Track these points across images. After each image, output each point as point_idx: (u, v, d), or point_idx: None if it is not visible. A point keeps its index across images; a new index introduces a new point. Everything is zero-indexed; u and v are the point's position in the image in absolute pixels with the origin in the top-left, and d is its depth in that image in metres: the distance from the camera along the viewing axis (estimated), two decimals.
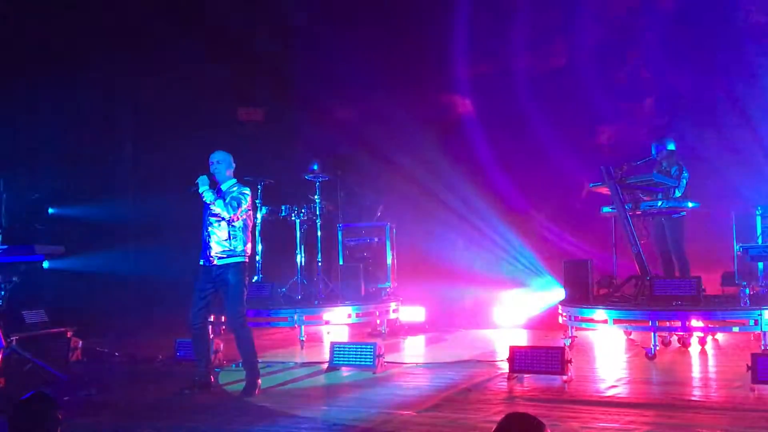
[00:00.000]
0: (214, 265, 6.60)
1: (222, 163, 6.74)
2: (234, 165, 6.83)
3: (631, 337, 9.12)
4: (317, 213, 10.64)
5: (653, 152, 9.44)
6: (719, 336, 8.80)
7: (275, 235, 11.04)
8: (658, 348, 7.90)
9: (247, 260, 6.71)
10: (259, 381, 6.65)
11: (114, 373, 7.95)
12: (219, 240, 6.60)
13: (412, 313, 10.93)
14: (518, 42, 12.49)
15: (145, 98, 12.35)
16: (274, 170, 10.83)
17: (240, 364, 7.24)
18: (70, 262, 10.63)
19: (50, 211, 11.32)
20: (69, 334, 8.58)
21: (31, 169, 10.93)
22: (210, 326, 7.20)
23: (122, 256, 11.66)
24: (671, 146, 9.44)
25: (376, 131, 13.11)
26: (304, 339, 9.37)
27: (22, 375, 7.37)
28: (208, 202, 6.57)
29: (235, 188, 6.68)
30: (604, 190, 9.12)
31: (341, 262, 11.11)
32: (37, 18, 10.79)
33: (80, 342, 8.61)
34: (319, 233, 10.69)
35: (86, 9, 11.25)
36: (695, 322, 7.83)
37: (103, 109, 12.13)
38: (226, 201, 6.57)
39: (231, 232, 6.58)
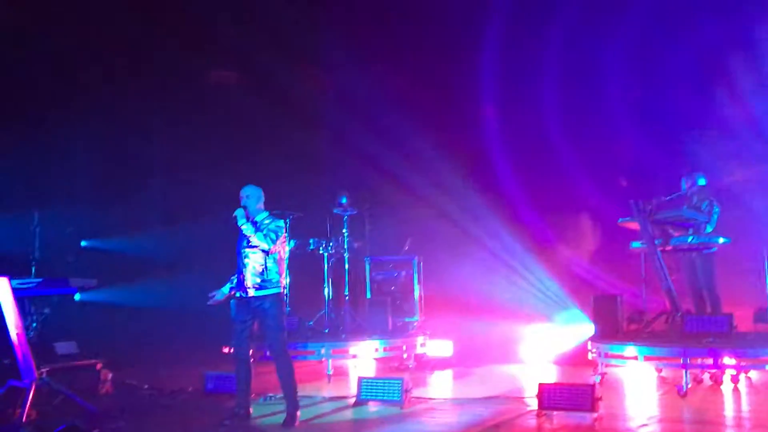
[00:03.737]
0: (252, 297, 6.65)
1: (251, 197, 6.84)
2: (263, 198, 6.92)
3: (662, 374, 8.98)
4: (345, 246, 10.69)
5: (683, 187, 9.38)
6: (752, 374, 8.65)
7: (303, 268, 11.10)
8: (689, 386, 7.77)
9: (282, 291, 6.77)
10: (299, 413, 6.66)
11: (143, 406, 7.97)
12: (254, 272, 6.66)
13: (439, 347, 10.86)
14: (547, 76, 12.55)
15: (176, 136, 12.56)
16: (302, 204, 10.91)
17: (269, 398, 7.27)
18: (101, 294, 10.78)
19: (83, 243, 11.50)
20: (99, 366, 8.65)
21: (65, 203, 11.14)
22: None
23: (152, 288, 11.78)
24: (702, 181, 9.38)
25: (404, 164, 13.19)
26: (331, 373, 9.36)
27: (54, 407, 7.43)
28: (248, 234, 6.65)
29: (268, 221, 6.77)
30: (634, 225, 9.07)
31: (368, 296, 11.11)
32: (72, 57, 11.08)
33: (110, 374, 8.68)
34: (346, 266, 10.73)
35: (120, 50, 11.55)
36: (728, 360, 7.71)
37: (134, 146, 12.37)
38: (264, 233, 6.65)
39: (266, 264, 6.65)
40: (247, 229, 6.65)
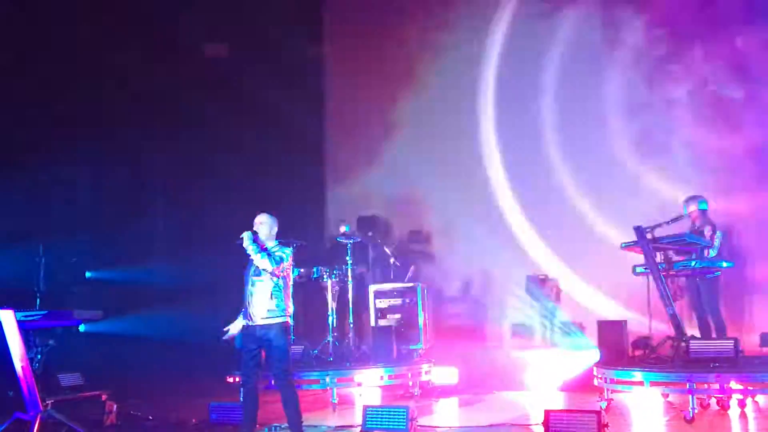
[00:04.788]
0: (257, 325, 6.66)
1: (264, 224, 6.88)
2: (276, 229, 6.94)
3: (669, 399, 8.96)
4: (349, 274, 10.70)
5: (685, 211, 9.43)
6: (759, 398, 8.60)
7: (307, 297, 11.11)
8: (696, 411, 7.73)
9: (288, 319, 6.77)
10: None
11: None
12: (261, 300, 6.66)
13: (444, 374, 10.83)
14: (546, 96, 12.69)
15: (180, 165, 12.65)
16: (306, 233, 10.96)
17: (274, 428, 7.25)
18: (105, 325, 10.77)
19: (87, 274, 11.55)
20: (104, 398, 8.62)
21: (69, 234, 11.19)
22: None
23: (157, 319, 11.78)
24: (703, 206, 9.43)
25: (406, 191, 13.27)
26: (336, 401, 9.32)
27: None
28: (251, 254, 6.65)
29: (276, 248, 6.80)
30: (637, 250, 9.09)
31: (373, 324, 11.10)
32: (72, 88, 11.21)
33: (115, 405, 8.64)
34: (350, 294, 10.72)
35: (120, 81, 11.70)
36: (734, 384, 7.67)
37: (139, 176, 12.47)
38: (270, 255, 6.67)
39: (273, 292, 6.65)
40: (251, 249, 6.66)
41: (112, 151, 11.88)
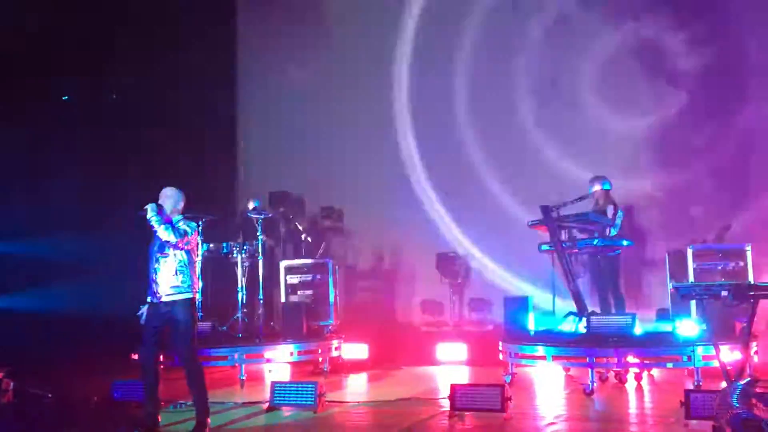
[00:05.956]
0: (162, 302, 6.50)
1: (170, 198, 6.71)
2: (182, 204, 6.78)
3: (570, 373, 9.26)
4: (259, 250, 10.59)
5: (589, 191, 9.71)
6: (655, 372, 8.98)
7: (216, 273, 10.93)
8: (595, 384, 8.03)
9: (194, 295, 6.64)
10: (209, 420, 6.53)
11: (47, 416, 7.69)
12: (166, 276, 6.51)
13: (354, 350, 10.88)
14: (457, 79, 12.82)
15: (79, 135, 12.11)
16: (216, 209, 10.76)
17: (179, 405, 7.12)
18: (2, 301, 10.35)
19: None
20: (0, 375, 8.29)
21: None
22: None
23: (55, 293, 11.31)
24: (606, 186, 9.73)
25: (318, 168, 13.21)
26: (244, 378, 9.24)
27: None
28: (154, 225, 6.47)
29: (181, 222, 6.63)
30: (543, 228, 9.32)
31: (283, 300, 11.04)
32: None
33: (11, 383, 8.32)
34: (260, 270, 10.61)
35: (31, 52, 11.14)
36: (631, 359, 8.01)
37: (36, 147, 11.88)
38: (174, 227, 6.51)
39: (178, 269, 6.51)
40: (155, 220, 6.48)
41: (8, 111, 11.25)
